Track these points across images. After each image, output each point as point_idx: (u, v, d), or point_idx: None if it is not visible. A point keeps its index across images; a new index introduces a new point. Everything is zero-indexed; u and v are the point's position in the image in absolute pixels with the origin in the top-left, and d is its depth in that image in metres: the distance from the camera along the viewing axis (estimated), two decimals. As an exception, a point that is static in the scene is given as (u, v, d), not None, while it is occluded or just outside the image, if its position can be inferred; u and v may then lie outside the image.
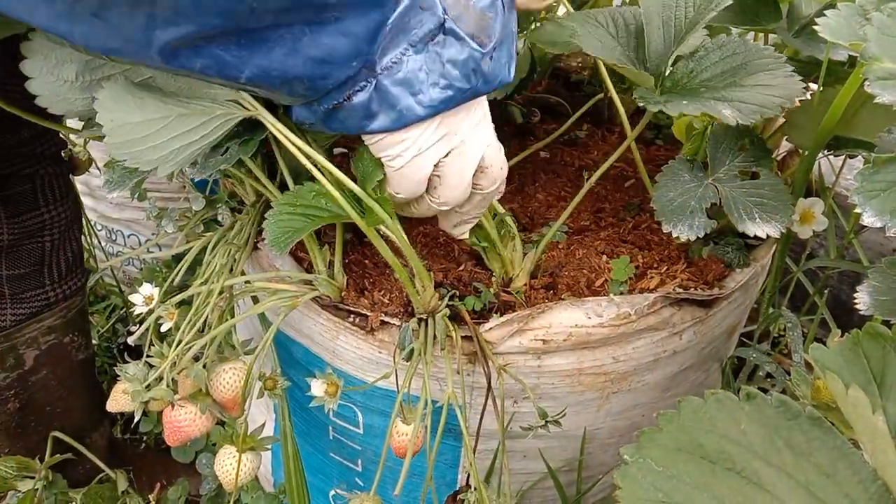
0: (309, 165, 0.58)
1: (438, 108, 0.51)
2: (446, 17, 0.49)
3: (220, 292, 0.73)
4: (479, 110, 0.56)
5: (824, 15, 0.59)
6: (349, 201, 0.59)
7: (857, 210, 0.51)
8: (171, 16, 0.42)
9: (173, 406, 0.70)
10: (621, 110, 0.81)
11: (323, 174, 0.59)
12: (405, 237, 0.62)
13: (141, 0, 0.42)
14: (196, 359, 0.71)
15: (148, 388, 0.69)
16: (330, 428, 0.85)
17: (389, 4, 0.46)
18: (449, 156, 0.55)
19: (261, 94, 0.53)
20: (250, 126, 0.60)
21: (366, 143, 0.56)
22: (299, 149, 0.56)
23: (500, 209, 0.73)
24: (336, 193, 0.59)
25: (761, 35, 0.83)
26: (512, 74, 0.54)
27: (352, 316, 0.73)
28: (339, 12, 0.45)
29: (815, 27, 0.59)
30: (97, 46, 0.46)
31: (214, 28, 0.43)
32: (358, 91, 0.50)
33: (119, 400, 0.71)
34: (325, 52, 0.46)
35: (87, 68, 0.57)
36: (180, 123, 0.55)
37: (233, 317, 0.75)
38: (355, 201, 0.60)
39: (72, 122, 0.78)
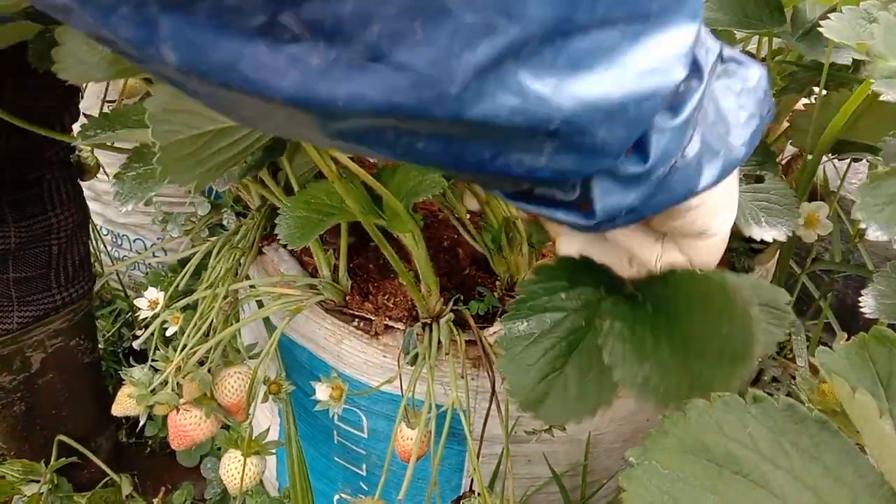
0: (328, 167, 0.57)
1: (752, 145, 0.39)
2: (720, 43, 0.38)
3: (225, 297, 0.73)
4: None
5: (828, 18, 0.59)
6: (366, 203, 0.59)
7: (862, 226, 0.51)
8: (486, 13, 0.26)
9: (178, 410, 0.70)
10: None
11: (342, 175, 0.58)
12: (423, 244, 0.62)
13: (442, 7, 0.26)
14: (201, 363, 0.71)
15: (153, 392, 0.69)
16: (334, 432, 0.85)
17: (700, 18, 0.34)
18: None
19: (548, 166, 0.33)
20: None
21: (674, 217, 0.40)
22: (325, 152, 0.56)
23: (512, 212, 0.73)
24: (345, 192, 0.58)
25: (765, 39, 0.83)
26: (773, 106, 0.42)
27: (356, 320, 0.74)
28: (662, 2, 0.32)
29: (820, 29, 0.59)
30: (381, 103, 0.27)
31: (543, 26, 0.28)
32: (689, 143, 0.36)
33: (124, 404, 0.71)
34: (655, 58, 0.32)
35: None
36: (222, 137, 0.51)
37: (238, 321, 0.75)
38: (372, 203, 0.60)
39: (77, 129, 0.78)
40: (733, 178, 0.40)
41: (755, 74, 0.40)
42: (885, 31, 0.49)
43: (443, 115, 0.28)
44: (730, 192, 0.41)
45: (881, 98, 0.49)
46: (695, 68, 0.35)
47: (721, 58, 0.38)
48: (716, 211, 0.40)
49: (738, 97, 0.39)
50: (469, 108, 0.28)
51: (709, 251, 0.42)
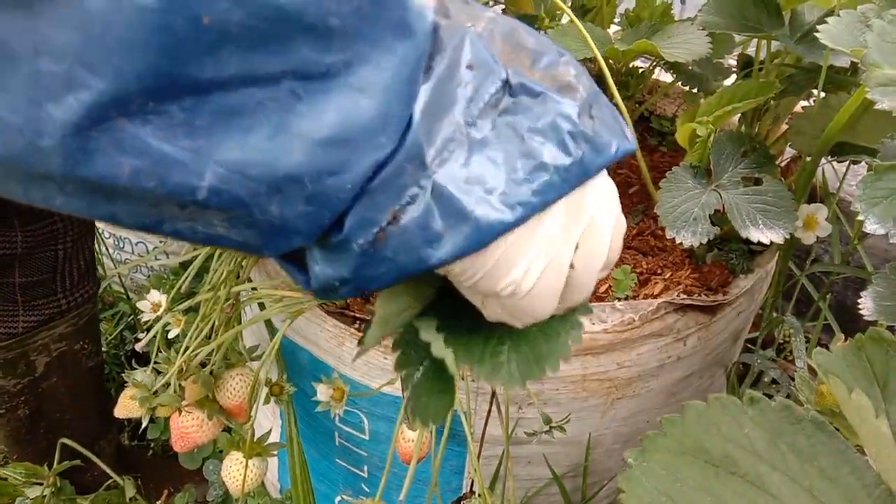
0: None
1: (534, 205, 0.32)
2: (509, 70, 0.32)
3: (227, 299, 0.74)
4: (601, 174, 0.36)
5: (826, 22, 0.59)
6: None
7: (860, 218, 0.51)
8: (67, 65, 0.23)
9: (180, 412, 0.71)
10: (626, 116, 0.81)
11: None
12: None
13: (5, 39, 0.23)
14: (203, 365, 0.71)
15: (155, 394, 0.70)
16: (336, 434, 0.85)
17: (421, 36, 0.28)
18: (580, 248, 0.36)
19: (230, 237, 0.30)
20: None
21: (453, 280, 0.35)
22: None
23: None
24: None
25: (763, 42, 0.83)
26: (633, 140, 0.35)
27: (357, 322, 0.74)
28: (347, 50, 0.26)
29: (817, 34, 0.59)
30: None
31: (142, 81, 0.24)
32: (407, 204, 0.30)
33: (127, 406, 0.71)
34: (337, 125, 0.27)
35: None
36: None
37: (239, 323, 0.76)
38: None
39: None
40: (539, 224, 0.33)
41: (556, 110, 0.32)
42: (879, 39, 0.50)
43: (50, 169, 0.25)
44: (534, 243, 0.33)
45: (877, 107, 0.49)
46: (432, 117, 0.29)
47: (508, 88, 0.32)
48: (501, 273, 0.33)
49: (523, 141, 0.32)
50: (80, 165, 0.25)
51: (523, 311, 0.35)
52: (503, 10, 1.04)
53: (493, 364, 0.37)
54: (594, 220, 0.35)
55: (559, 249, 0.34)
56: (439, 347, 0.34)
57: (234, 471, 0.71)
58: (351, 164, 0.28)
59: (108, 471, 1.06)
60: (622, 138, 0.34)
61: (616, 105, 0.88)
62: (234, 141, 0.26)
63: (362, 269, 0.31)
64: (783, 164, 0.92)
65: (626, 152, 0.34)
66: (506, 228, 0.32)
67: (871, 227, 0.51)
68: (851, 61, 0.76)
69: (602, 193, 0.36)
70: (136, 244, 1.46)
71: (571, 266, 0.35)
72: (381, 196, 0.29)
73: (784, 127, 0.91)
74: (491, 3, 1.19)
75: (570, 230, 0.35)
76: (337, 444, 0.86)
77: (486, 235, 0.31)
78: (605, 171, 0.36)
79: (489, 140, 0.31)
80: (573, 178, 0.33)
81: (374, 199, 0.29)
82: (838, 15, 0.59)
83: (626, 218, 0.88)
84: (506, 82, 0.32)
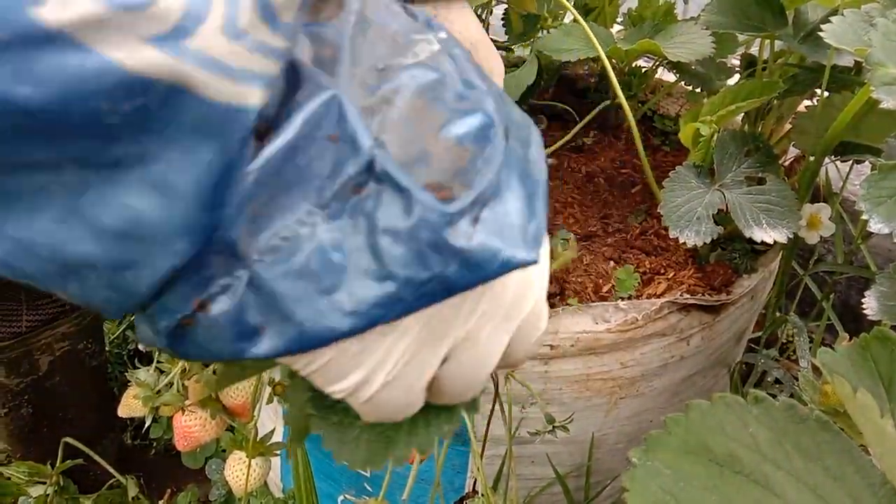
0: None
1: (373, 318, 0.27)
2: (377, 151, 0.26)
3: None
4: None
5: (830, 21, 0.59)
6: None
7: (865, 217, 0.51)
8: None
9: (183, 411, 0.71)
10: (630, 116, 0.81)
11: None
12: None
13: None
14: (206, 365, 0.71)
15: (158, 393, 0.70)
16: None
17: (237, 134, 0.24)
18: (449, 361, 0.31)
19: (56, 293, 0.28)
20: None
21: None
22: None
23: None
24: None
25: (767, 42, 0.83)
26: (534, 252, 0.29)
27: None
28: (138, 144, 0.23)
29: (821, 33, 0.59)
30: None
31: None
32: (217, 294, 0.27)
33: (130, 405, 0.71)
34: (128, 220, 0.24)
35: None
36: None
37: (242, 323, 0.76)
38: None
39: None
40: (382, 336, 0.28)
41: (420, 214, 0.26)
42: (883, 38, 0.50)
43: None
44: (375, 355, 0.29)
45: (881, 106, 0.49)
46: (263, 201, 0.26)
47: (373, 173, 0.26)
48: (333, 378, 0.29)
49: (376, 242, 0.27)
50: None
51: (364, 413, 0.31)
52: (506, 11, 1.04)
53: (341, 436, 0.34)
54: (472, 335, 0.30)
55: (411, 364, 0.30)
56: (289, 416, 0.33)
57: (238, 470, 0.71)
58: (146, 262, 0.25)
59: (111, 470, 1.06)
60: (516, 247, 0.28)
61: (619, 105, 0.88)
62: (20, 219, 0.23)
63: (176, 346, 0.28)
64: (786, 163, 0.92)
65: (513, 267, 0.28)
66: (335, 337, 0.27)
67: (875, 226, 0.51)
68: (855, 60, 0.76)
69: (493, 301, 0.30)
70: (139, 244, 1.46)
71: (435, 378, 0.31)
72: (184, 286, 0.26)
73: (787, 126, 0.91)
74: (494, 3, 1.20)
75: (432, 345, 0.30)
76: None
77: (310, 342, 0.27)
78: (507, 273, 0.29)
79: (337, 230, 0.27)
80: (430, 295, 0.28)
81: (176, 288, 0.26)
82: (842, 14, 0.59)
83: (629, 217, 0.89)
84: (370, 165, 0.26)
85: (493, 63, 0.66)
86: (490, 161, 0.28)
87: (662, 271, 0.79)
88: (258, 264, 0.26)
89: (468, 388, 0.33)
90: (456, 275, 0.27)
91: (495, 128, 0.29)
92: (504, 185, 0.29)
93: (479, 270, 0.28)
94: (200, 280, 0.26)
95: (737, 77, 0.98)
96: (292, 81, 0.26)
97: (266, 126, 0.25)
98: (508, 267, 0.28)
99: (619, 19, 1.13)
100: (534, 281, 0.32)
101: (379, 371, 0.29)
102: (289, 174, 0.26)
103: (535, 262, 0.28)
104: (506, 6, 1.04)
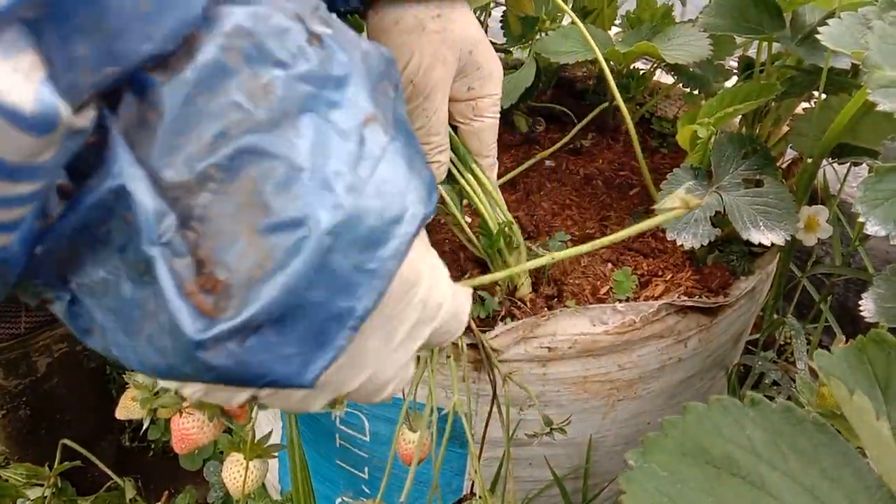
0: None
1: (155, 371, 0.30)
2: (155, 250, 0.27)
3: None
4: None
5: (826, 24, 0.60)
6: None
7: (861, 220, 0.51)
8: None
9: (181, 413, 0.71)
10: (628, 118, 0.81)
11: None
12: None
13: None
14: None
15: (156, 395, 0.70)
16: (336, 435, 0.85)
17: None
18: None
19: None
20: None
21: None
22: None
23: (508, 217, 0.73)
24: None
25: (765, 44, 0.83)
26: (307, 374, 0.30)
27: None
28: None
29: (818, 36, 0.59)
30: None
31: None
32: (51, 300, 0.30)
33: (128, 407, 0.71)
34: None
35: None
36: None
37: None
38: None
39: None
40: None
41: (173, 323, 0.27)
42: (879, 41, 0.50)
43: None
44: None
45: (878, 108, 0.49)
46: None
47: (150, 268, 0.27)
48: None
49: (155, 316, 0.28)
50: None
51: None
52: (504, 14, 1.04)
53: None
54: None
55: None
56: None
57: (235, 472, 0.71)
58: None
59: (109, 472, 1.06)
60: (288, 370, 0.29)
61: (617, 107, 0.88)
62: None
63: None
64: (784, 165, 0.92)
65: (284, 385, 0.29)
66: (136, 366, 0.31)
67: (872, 228, 0.51)
68: (852, 63, 0.76)
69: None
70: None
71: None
72: (31, 288, 0.30)
73: (785, 128, 0.92)
74: (492, 6, 1.20)
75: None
76: (337, 445, 0.86)
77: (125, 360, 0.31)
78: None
79: (138, 290, 0.28)
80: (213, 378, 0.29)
81: (27, 288, 0.30)
82: (839, 17, 0.60)
83: (627, 220, 0.89)
84: (148, 262, 0.27)
85: (493, 65, 0.66)
86: (287, 278, 0.27)
87: (660, 273, 0.79)
88: (78, 292, 0.29)
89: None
90: (222, 377, 0.29)
91: (309, 239, 0.28)
92: (288, 316, 0.28)
93: (241, 382, 0.29)
94: (35, 288, 0.29)
95: (734, 79, 0.98)
96: (95, 154, 0.26)
97: (69, 187, 0.26)
98: (276, 383, 0.29)
99: (617, 21, 1.13)
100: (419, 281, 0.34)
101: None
102: (88, 238, 0.27)
103: (304, 384, 0.30)
104: (504, 8, 1.04)
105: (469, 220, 0.75)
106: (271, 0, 0.28)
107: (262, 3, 0.27)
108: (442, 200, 0.69)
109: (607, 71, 0.81)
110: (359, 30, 0.58)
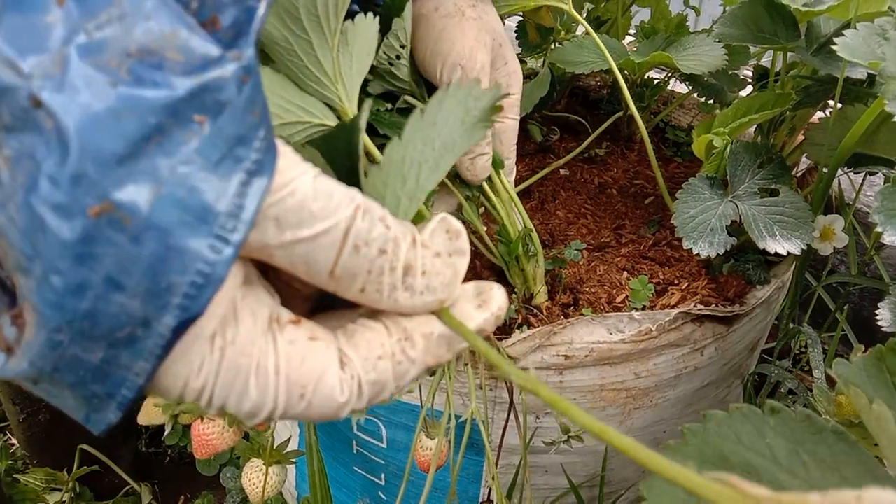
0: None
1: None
2: None
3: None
4: None
5: (843, 34, 0.60)
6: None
7: (878, 229, 0.51)
8: None
9: (202, 420, 0.72)
10: (642, 127, 0.82)
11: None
12: None
13: None
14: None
15: (178, 401, 0.70)
16: (354, 442, 0.86)
17: None
18: None
19: None
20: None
21: None
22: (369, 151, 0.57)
23: (528, 224, 0.73)
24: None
25: (779, 53, 0.84)
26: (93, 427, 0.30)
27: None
28: None
29: (834, 46, 0.60)
30: None
31: None
32: None
33: (150, 413, 0.72)
34: None
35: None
36: (281, 130, 0.50)
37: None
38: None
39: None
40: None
41: None
42: (895, 52, 0.50)
43: None
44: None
45: (895, 119, 0.49)
46: None
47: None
48: None
49: None
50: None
51: None
52: (519, 23, 1.05)
53: None
54: None
55: None
56: None
57: (255, 478, 0.71)
58: None
59: (127, 477, 1.07)
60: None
61: (632, 116, 0.89)
62: None
63: None
64: (799, 174, 0.92)
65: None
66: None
67: (889, 238, 0.51)
68: (868, 73, 0.76)
69: None
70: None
71: None
72: None
73: (800, 137, 0.92)
74: (506, 16, 1.20)
75: None
76: (355, 452, 0.87)
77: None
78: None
79: None
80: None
81: None
82: (855, 27, 0.60)
83: (642, 228, 0.89)
84: None
85: (516, 64, 0.67)
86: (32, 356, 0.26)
87: (676, 282, 0.79)
88: None
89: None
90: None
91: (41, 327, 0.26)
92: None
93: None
94: None
95: (749, 89, 0.98)
96: None
97: None
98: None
99: (631, 31, 1.14)
100: None
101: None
102: None
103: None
104: (519, 18, 1.05)
105: (485, 227, 0.76)
106: None
107: None
108: (459, 207, 0.70)
109: (622, 81, 0.81)
110: (397, 14, 0.58)
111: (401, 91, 0.65)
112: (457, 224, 0.34)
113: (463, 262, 0.33)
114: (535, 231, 0.75)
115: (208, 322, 0.28)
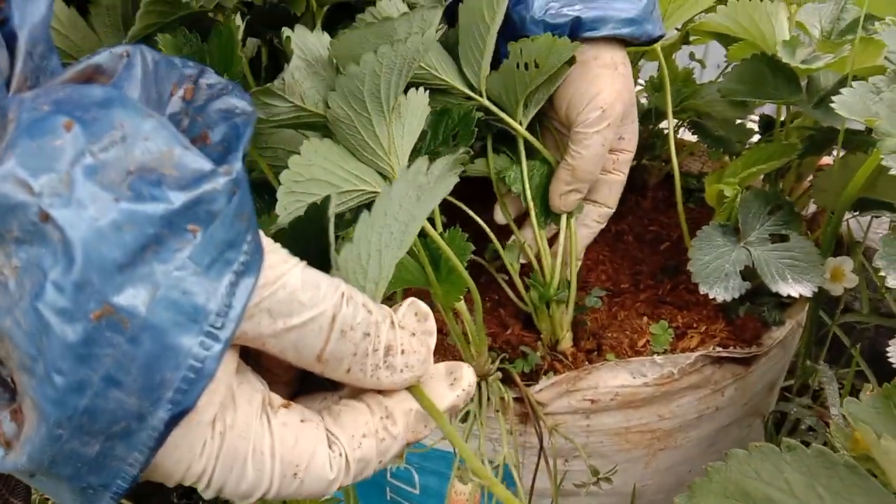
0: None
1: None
2: None
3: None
4: None
5: (840, 93, 0.64)
6: (419, 272, 0.62)
7: (882, 274, 0.55)
8: None
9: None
10: (677, 180, 0.86)
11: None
12: (480, 304, 0.66)
13: None
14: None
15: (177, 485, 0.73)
16: (387, 489, 0.88)
17: None
18: None
19: None
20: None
21: None
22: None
23: (573, 270, 0.77)
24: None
25: (784, 107, 0.88)
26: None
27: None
28: None
29: (832, 105, 0.64)
30: None
31: None
32: None
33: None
34: None
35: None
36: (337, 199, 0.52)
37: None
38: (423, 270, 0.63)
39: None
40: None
41: None
42: (888, 111, 0.54)
43: None
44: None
45: (891, 173, 0.53)
46: None
47: None
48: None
49: None
50: None
51: None
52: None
53: None
54: None
55: None
56: None
57: (296, 525, 0.74)
58: None
59: (164, 529, 1.09)
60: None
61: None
62: None
63: None
64: (809, 215, 0.96)
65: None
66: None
67: (892, 282, 0.55)
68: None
69: None
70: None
71: None
72: None
73: (807, 183, 0.96)
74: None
75: None
76: (388, 498, 0.89)
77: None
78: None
79: None
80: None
81: None
82: (851, 86, 0.64)
83: (659, 274, 0.93)
84: None
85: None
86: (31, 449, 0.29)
87: (694, 325, 0.82)
88: None
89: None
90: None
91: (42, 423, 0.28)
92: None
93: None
94: None
95: (756, 138, 1.02)
96: None
97: None
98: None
99: (641, 82, 1.19)
100: None
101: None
102: None
103: None
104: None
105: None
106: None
107: None
108: (496, 255, 0.74)
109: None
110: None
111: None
112: (424, 307, 0.38)
113: (432, 341, 0.38)
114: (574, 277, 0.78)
115: (209, 409, 0.31)
